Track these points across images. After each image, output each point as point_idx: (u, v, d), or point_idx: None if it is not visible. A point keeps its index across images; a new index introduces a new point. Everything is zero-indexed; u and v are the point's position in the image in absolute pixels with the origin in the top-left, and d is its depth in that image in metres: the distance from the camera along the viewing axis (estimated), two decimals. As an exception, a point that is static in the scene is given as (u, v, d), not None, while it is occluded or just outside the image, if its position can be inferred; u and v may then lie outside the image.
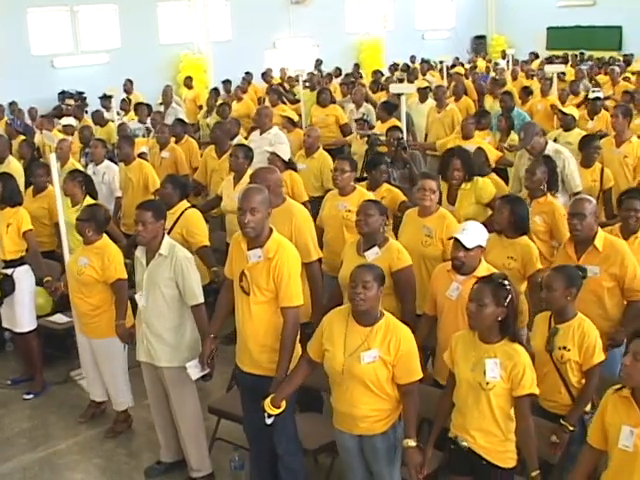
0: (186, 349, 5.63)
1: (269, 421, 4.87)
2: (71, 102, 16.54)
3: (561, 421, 4.80)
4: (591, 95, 11.88)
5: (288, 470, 5.28)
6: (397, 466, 4.78)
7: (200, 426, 5.90)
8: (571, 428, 4.80)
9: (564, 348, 4.86)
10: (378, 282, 4.57)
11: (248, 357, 5.16)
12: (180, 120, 11.47)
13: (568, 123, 9.99)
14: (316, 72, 19.54)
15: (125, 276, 6.33)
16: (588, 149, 8.31)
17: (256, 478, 5.58)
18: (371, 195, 6.96)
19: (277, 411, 4.83)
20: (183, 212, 7.09)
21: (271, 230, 5.05)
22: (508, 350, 4.36)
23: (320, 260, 6.23)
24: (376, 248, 5.70)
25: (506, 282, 4.40)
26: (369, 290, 4.51)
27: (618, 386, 3.96)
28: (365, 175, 7.97)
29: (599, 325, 5.37)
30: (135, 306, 5.87)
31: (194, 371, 5.46)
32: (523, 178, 7.30)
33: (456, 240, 5.19)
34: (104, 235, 6.45)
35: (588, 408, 4.91)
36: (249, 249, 5.01)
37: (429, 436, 4.75)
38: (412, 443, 4.56)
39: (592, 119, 11.45)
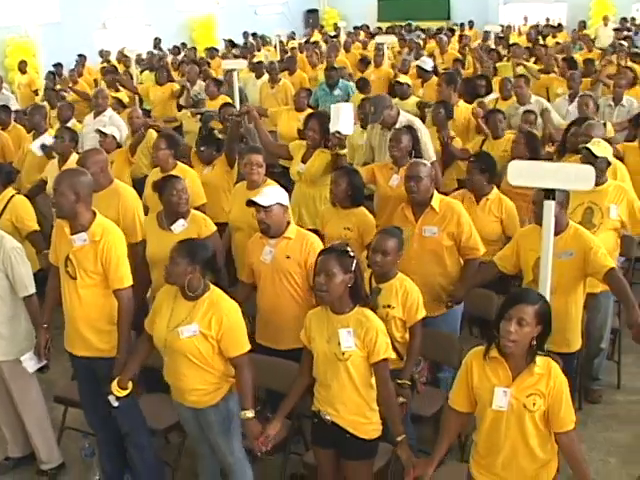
0: (22, 340, 5.50)
1: (116, 403, 4.85)
2: None
3: (397, 381, 4.90)
4: (420, 64, 12.23)
5: (135, 446, 5.32)
6: (235, 437, 4.82)
7: (45, 417, 5.81)
8: (409, 383, 5.00)
9: (388, 306, 5.03)
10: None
11: (80, 341, 5.11)
12: (4, 107, 11.06)
13: (404, 92, 10.30)
14: (156, 52, 19.25)
15: None
16: (494, 121, 8.36)
17: (106, 463, 5.57)
18: (193, 173, 7.22)
19: (125, 392, 4.83)
20: (10, 199, 6.90)
21: (94, 213, 5.02)
22: (360, 318, 4.37)
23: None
24: (182, 220, 5.81)
25: (349, 249, 4.44)
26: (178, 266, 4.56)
27: (481, 348, 3.94)
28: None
29: (440, 283, 5.65)
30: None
31: (30, 363, 5.37)
32: (376, 148, 7.63)
33: (254, 203, 5.29)
34: None
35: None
36: (72, 233, 4.95)
37: (264, 404, 4.80)
38: (250, 414, 4.57)
39: (422, 86, 11.82)
